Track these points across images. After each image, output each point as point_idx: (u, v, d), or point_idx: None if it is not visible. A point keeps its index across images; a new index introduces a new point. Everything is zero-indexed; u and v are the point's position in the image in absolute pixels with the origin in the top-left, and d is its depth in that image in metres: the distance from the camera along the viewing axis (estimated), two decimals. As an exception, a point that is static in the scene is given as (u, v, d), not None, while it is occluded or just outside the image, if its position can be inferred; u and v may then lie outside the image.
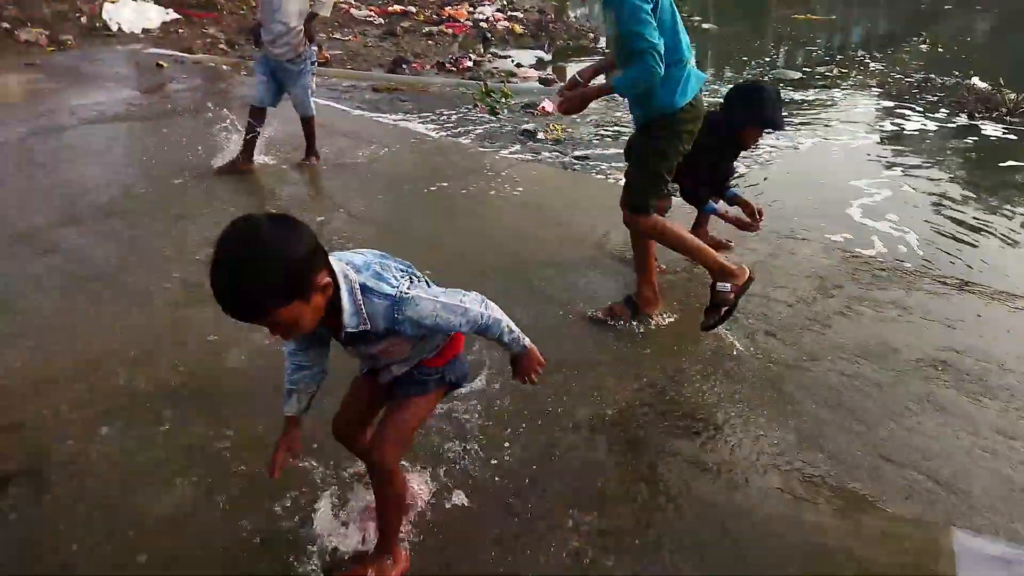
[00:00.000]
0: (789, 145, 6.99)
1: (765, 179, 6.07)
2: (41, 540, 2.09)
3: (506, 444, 2.49)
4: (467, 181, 5.09)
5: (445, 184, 5.02)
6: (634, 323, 3.27)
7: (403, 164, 5.52)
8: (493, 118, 7.34)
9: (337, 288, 1.54)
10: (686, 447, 2.52)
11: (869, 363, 3.03)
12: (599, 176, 5.80)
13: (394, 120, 7.01)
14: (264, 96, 5.01)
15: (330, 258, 1.55)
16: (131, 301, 3.37)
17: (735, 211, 3.75)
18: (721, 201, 3.76)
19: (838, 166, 6.53)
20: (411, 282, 1.64)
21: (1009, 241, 5.06)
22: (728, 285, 3.03)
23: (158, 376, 2.81)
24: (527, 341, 1.84)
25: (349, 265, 1.59)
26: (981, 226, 5.25)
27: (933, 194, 5.89)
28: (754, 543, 2.12)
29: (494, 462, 2.40)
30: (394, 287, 1.59)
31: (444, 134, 6.70)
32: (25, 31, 9.45)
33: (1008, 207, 5.69)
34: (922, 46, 13.23)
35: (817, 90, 9.66)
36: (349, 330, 1.58)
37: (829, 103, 9.00)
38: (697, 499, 2.29)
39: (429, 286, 1.70)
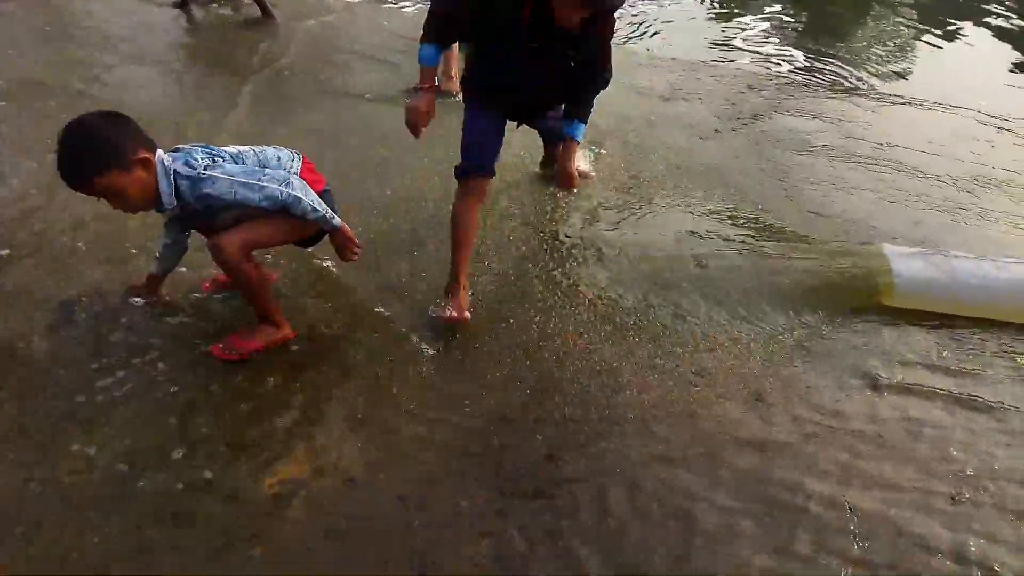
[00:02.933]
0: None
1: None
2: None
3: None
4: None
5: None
6: None
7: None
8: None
9: (155, 171, 1.81)
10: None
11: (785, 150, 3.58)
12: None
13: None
14: None
15: (156, 150, 1.83)
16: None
17: None
18: None
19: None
20: (212, 162, 1.86)
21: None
22: None
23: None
24: (337, 221, 1.98)
25: (168, 155, 1.85)
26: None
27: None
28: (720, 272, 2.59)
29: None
30: (195, 168, 1.82)
31: None
32: None
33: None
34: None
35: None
36: (167, 208, 1.84)
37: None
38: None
39: (236, 163, 1.89)
